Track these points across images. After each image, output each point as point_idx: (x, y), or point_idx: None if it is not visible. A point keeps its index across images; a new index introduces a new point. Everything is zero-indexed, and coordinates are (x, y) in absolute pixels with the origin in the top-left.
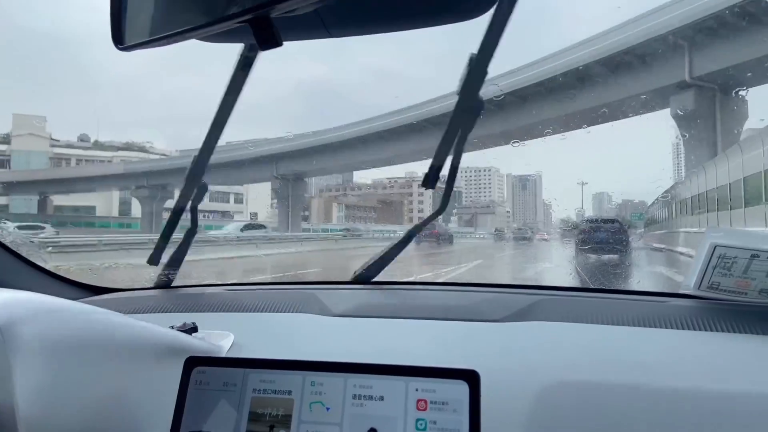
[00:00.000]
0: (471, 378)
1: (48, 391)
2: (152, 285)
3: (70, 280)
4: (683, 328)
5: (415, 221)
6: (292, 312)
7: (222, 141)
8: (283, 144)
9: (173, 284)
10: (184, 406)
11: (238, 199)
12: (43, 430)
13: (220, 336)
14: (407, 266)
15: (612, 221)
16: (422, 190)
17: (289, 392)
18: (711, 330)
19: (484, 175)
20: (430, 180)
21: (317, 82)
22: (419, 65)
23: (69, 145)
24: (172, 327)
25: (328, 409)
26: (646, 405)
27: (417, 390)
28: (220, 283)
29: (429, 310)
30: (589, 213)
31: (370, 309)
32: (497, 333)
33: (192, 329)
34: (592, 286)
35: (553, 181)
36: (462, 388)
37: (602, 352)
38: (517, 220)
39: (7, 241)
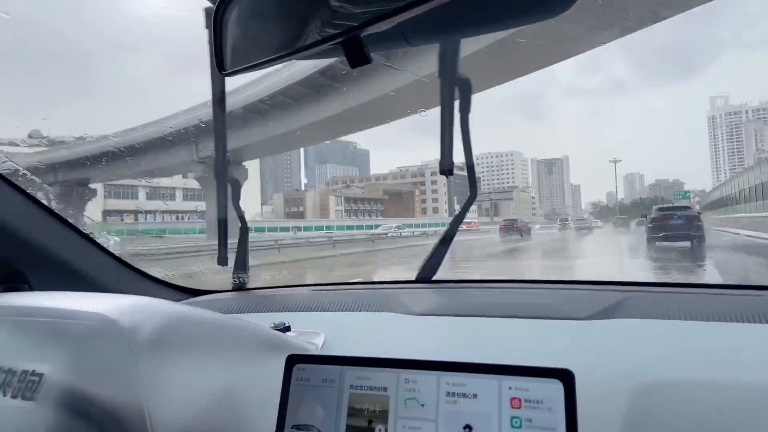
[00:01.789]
0: (566, 377)
1: (170, 388)
2: (235, 287)
3: (168, 283)
4: None
5: (430, 213)
6: (376, 311)
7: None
8: (203, 111)
9: (255, 285)
10: (287, 401)
11: (195, 195)
12: (168, 425)
13: (313, 335)
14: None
15: (685, 207)
16: (435, 177)
17: (385, 389)
18: None
19: (507, 160)
20: (445, 166)
21: None
22: None
23: (11, 143)
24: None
25: (422, 405)
26: (749, 403)
27: (510, 388)
28: (301, 284)
29: (510, 309)
30: (621, 195)
31: (450, 308)
32: (586, 331)
33: (286, 328)
34: (684, 281)
35: (579, 163)
36: (557, 387)
37: (698, 349)
38: (544, 205)
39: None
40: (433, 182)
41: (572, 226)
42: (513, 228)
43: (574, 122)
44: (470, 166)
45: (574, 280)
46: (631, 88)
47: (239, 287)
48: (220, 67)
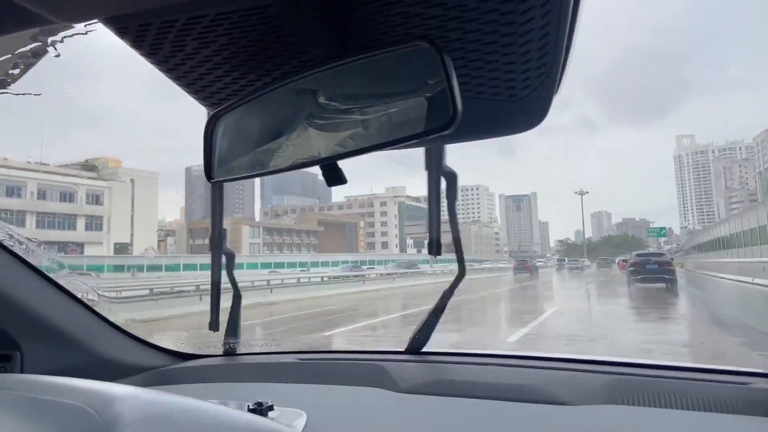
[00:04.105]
0: None
1: None
2: (225, 352)
3: (158, 347)
4: None
5: (378, 247)
6: (360, 385)
7: None
8: None
9: (244, 351)
10: None
11: (95, 225)
12: None
13: (294, 415)
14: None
15: (660, 254)
16: (385, 208)
17: None
18: None
19: (472, 194)
20: (434, 248)
21: None
22: None
23: None
24: (250, 407)
25: None
26: None
27: None
28: (289, 351)
29: (497, 389)
30: (588, 233)
31: (437, 386)
32: (567, 419)
33: (269, 408)
34: (670, 364)
35: (548, 200)
36: None
37: None
38: (512, 242)
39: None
40: (383, 213)
41: (567, 265)
42: (525, 267)
43: (543, 160)
44: (458, 246)
45: (564, 358)
46: (600, 127)
47: (227, 352)
48: (208, 175)
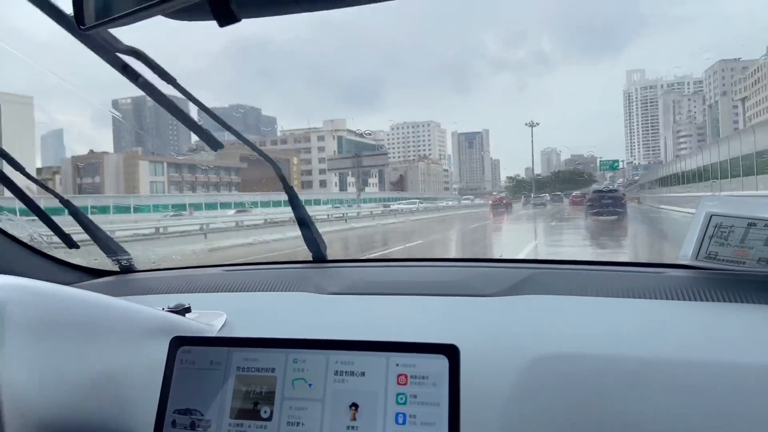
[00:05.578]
0: (451, 352)
1: (35, 371)
2: (148, 268)
3: (70, 264)
4: (680, 299)
5: (316, 186)
6: (288, 291)
7: None
8: None
9: (170, 266)
10: (170, 385)
11: None
12: (31, 409)
13: (213, 316)
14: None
15: (614, 191)
16: (323, 143)
17: (273, 370)
18: (708, 300)
19: (423, 131)
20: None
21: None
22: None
23: None
24: (164, 308)
25: (310, 385)
26: (639, 376)
27: (397, 365)
28: (217, 264)
29: (419, 286)
30: (538, 170)
31: (365, 286)
32: (486, 307)
33: (185, 310)
34: (591, 260)
35: (500, 138)
36: (442, 363)
37: (593, 325)
38: (463, 179)
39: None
40: (320, 148)
41: (532, 201)
42: (502, 204)
43: (498, 97)
44: None
45: (486, 258)
46: (554, 63)
47: (145, 269)
48: (80, 20)
